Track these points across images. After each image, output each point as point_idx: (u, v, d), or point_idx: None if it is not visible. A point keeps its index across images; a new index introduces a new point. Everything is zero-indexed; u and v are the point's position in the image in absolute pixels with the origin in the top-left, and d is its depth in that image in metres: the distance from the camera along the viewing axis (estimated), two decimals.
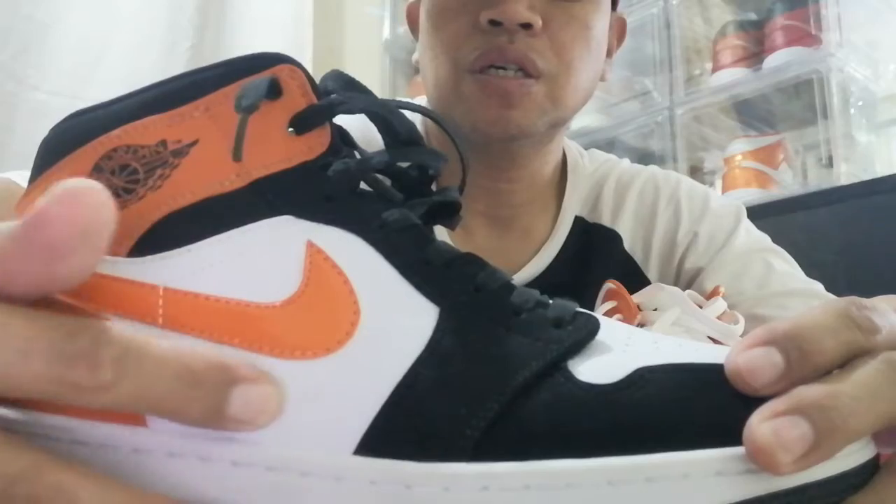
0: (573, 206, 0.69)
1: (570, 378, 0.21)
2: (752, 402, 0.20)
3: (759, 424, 0.19)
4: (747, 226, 0.68)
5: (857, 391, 0.21)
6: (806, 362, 0.21)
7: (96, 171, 0.23)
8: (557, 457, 0.20)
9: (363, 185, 0.26)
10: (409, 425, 0.20)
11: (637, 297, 0.50)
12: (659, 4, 1.49)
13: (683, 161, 1.43)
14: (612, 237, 0.68)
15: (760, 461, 0.19)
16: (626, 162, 0.74)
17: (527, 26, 0.56)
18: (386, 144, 0.27)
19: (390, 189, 0.27)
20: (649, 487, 0.19)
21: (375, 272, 0.23)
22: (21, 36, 1.34)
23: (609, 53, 0.67)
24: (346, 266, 0.23)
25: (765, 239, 0.68)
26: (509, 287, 0.24)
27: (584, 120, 1.56)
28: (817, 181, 1.35)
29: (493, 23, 0.56)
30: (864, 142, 1.31)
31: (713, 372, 0.21)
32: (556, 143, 0.68)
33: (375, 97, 0.27)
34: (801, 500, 0.20)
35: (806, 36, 1.33)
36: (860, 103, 1.31)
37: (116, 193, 0.23)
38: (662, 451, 0.20)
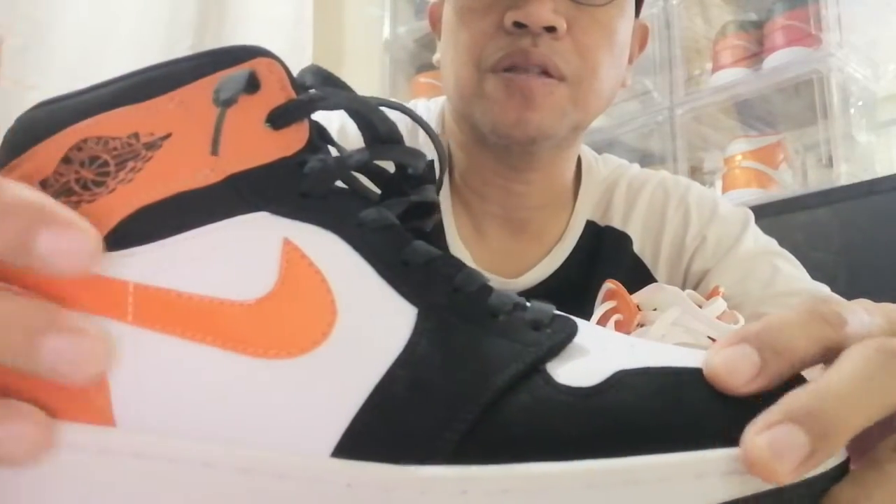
0: (586, 209, 0.69)
1: (550, 381, 0.21)
2: (730, 404, 0.21)
3: (755, 437, 0.20)
4: (755, 231, 0.69)
5: (844, 388, 0.21)
6: (780, 358, 0.22)
7: (65, 163, 0.23)
8: (538, 460, 0.19)
9: (339, 184, 0.25)
10: (387, 428, 0.20)
11: (637, 297, 0.50)
12: (659, 4, 1.49)
13: (683, 161, 1.43)
14: (623, 238, 0.68)
15: (760, 473, 0.19)
16: (636, 167, 0.74)
17: (551, 29, 0.56)
18: (366, 142, 0.26)
19: (366, 188, 0.26)
20: (629, 490, 0.19)
21: (353, 271, 0.23)
22: (21, 36, 1.34)
23: (630, 60, 0.67)
24: (324, 264, 0.22)
25: (772, 243, 0.68)
26: (487, 289, 0.24)
27: None
28: (817, 181, 1.35)
29: (518, 25, 0.56)
30: (864, 142, 1.31)
31: (690, 375, 0.22)
32: (574, 148, 0.68)
33: (355, 94, 0.26)
34: (779, 501, 0.20)
35: (806, 36, 1.33)
36: (860, 103, 1.30)
37: (86, 186, 0.22)
38: (642, 455, 0.20)
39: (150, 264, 0.22)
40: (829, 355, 0.22)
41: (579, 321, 0.24)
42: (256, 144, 0.23)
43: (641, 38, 0.70)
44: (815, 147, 1.32)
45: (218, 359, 0.21)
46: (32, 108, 0.24)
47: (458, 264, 0.25)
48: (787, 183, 1.38)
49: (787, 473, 0.19)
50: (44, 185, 0.22)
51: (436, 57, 0.68)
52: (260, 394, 0.21)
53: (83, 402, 0.21)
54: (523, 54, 0.56)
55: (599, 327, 0.25)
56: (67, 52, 1.39)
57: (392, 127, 0.27)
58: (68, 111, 0.23)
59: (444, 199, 0.67)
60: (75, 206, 0.22)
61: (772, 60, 1.37)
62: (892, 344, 0.22)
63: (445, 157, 0.29)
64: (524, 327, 0.23)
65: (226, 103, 0.23)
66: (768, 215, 0.98)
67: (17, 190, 0.20)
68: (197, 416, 0.21)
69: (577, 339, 0.23)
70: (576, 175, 0.70)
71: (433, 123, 0.71)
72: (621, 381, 0.21)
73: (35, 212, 0.20)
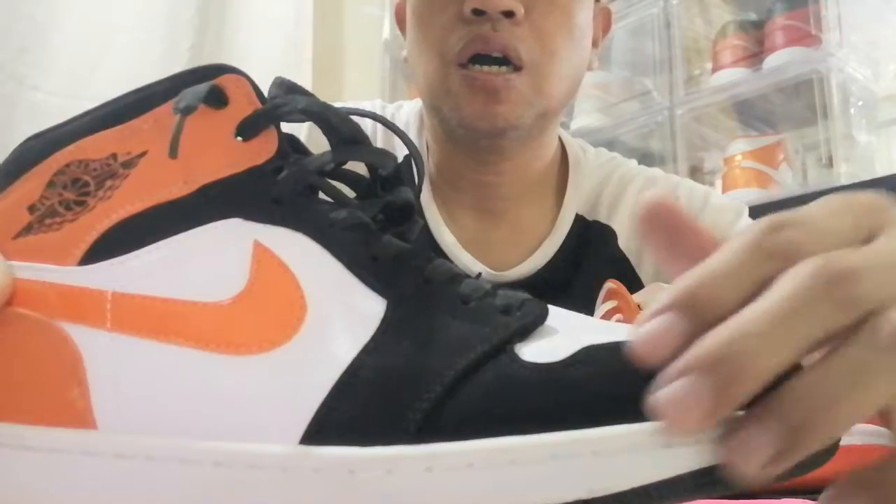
0: (574, 203, 0.69)
1: (515, 359, 0.21)
2: None
3: (654, 395, 0.19)
4: (749, 222, 0.69)
5: (761, 323, 0.18)
6: (706, 316, 0.19)
7: (50, 187, 0.24)
8: (502, 435, 0.20)
9: (322, 195, 0.26)
10: (352, 412, 0.21)
11: (638, 297, 0.50)
12: (659, 4, 1.49)
13: (683, 161, 1.43)
14: (608, 233, 0.68)
15: (670, 431, 0.19)
16: (632, 163, 0.75)
17: (509, 14, 0.57)
18: (331, 145, 0.27)
19: (342, 193, 0.27)
20: (595, 461, 0.19)
21: (322, 268, 0.24)
22: (21, 36, 1.34)
23: (595, 44, 0.68)
24: (293, 263, 0.23)
25: None
26: (458, 278, 0.25)
27: (584, 120, 1.56)
28: (817, 181, 1.35)
29: (477, 12, 0.58)
30: (864, 142, 1.31)
31: None
32: (547, 137, 0.68)
33: (316, 99, 0.27)
34: None
35: (806, 36, 1.33)
36: (860, 103, 1.30)
37: (69, 207, 0.24)
38: (608, 425, 0.19)
39: (127, 273, 0.23)
40: None
41: (557, 309, 0.24)
42: (227, 156, 0.25)
43: (605, 21, 0.71)
44: (815, 147, 1.32)
45: (193, 359, 0.22)
46: (23, 141, 0.26)
47: (429, 256, 0.25)
48: (787, 183, 1.38)
49: (693, 426, 0.18)
50: (31, 210, 0.24)
51: (403, 53, 0.69)
52: (233, 389, 0.22)
53: (65, 406, 0.22)
54: (484, 40, 0.58)
55: (580, 315, 0.25)
56: (67, 52, 1.39)
57: (355, 128, 0.27)
58: (53, 141, 0.25)
59: (423, 188, 0.68)
60: (59, 225, 0.24)
61: (772, 60, 1.37)
62: (832, 265, 0.19)
63: (422, 162, 0.29)
64: (494, 312, 0.23)
65: (184, 111, 0.24)
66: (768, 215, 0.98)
67: None
68: (175, 414, 0.22)
69: (549, 322, 0.23)
70: (562, 169, 0.71)
71: (414, 123, 0.73)
72: (588, 355, 0.21)
73: None
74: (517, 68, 0.59)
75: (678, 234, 0.23)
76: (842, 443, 0.21)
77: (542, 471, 0.19)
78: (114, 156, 0.24)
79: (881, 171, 1.32)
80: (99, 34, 1.43)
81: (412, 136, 0.72)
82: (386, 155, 0.28)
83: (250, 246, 0.23)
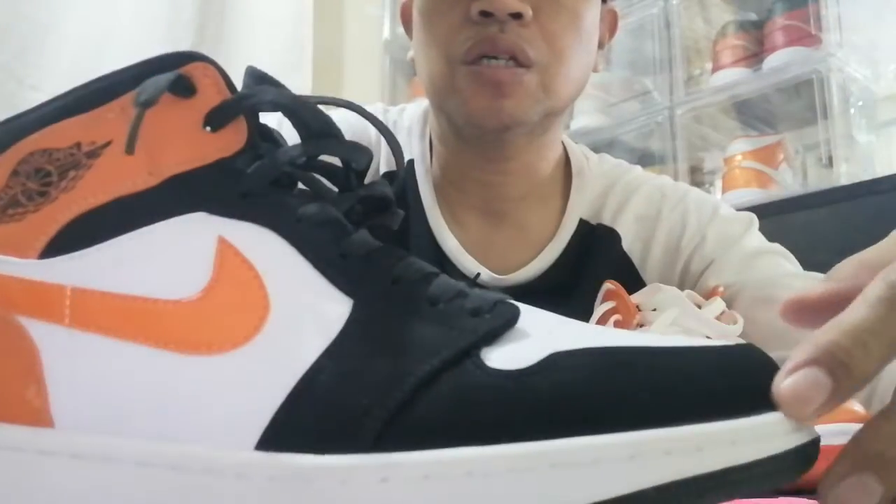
0: (578, 208, 0.69)
1: (480, 365, 0.21)
2: (662, 385, 0.20)
3: (777, 383, 0.20)
4: (759, 234, 0.69)
5: (859, 323, 0.21)
6: (852, 376, 0.21)
7: (14, 176, 0.24)
8: (463, 445, 0.19)
9: (301, 186, 0.26)
10: (309, 417, 0.20)
11: (636, 298, 0.50)
12: (659, 4, 1.49)
13: (683, 161, 1.43)
14: (611, 235, 0.68)
15: (791, 416, 0.20)
16: (637, 169, 0.74)
17: (517, 16, 0.57)
18: (301, 138, 0.26)
19: (321, 184, 0.26)
20: (556, 473, 0.19)
21: (288, 266, 0.23)
22: (21, 36, 1.34)
23: (601, 45, 0.68)
24: (258, 261, 0.23)
25: (776, 245, 0.68)
26: (429, 277, 0.24)
27: (584, 120, 1.56)
28: (817, 181, 1.35)
29: (484, 14, 0.57)
30: (864, 142, 1.31)
31: (625, 354, 0.21)
32: (551, 137, 0.68)
33: (287, 90, 0.26)
34: (720, 484, 0.19)
35: (806, 36, 1.33)
36: (860, 103, 1.31)
37: (31, 197, 0.23)
38: (571, 436, 0.19)
39: (87, 268, 0.22)
40: None
41: (526, 308, 0.24)
42: (194, 147, 0.24)
43: (611, 22, 0.71)
44: (815, 147, 1.32)
45: (151, 358, 0.21)
46: None
47: (400, 254, 0.25)
48: (787, 183, 1.38)
49: (810, 413, 0.20)
50: None
51: (409, 55, 0.69)
52: (191, 390, 0.21)
53: (21, 404, 0.21)
54: (491, 42, 0.57)
55: (556, 315, 0.25)
56: (67, 52, 1.39)
57: (326, 121, 0.26)
58: (18, 128, 0.24)
59: (426, 192, 0.68)
60: (21, 216, 0.23)
61: (772, 60, 1.37)
62: None
63: (400, 153, 0.29)
64: (463, 314, 0.23)
65: (144, 104, 0.23)
66: (768, 215, 0.98)
67: None
68: (132, 414, 0.21)
69: (519, 325, 0.23)
70: (566, 174, 0.71)
71: (417, 125, 0.72)
72: (555, 363, 0.20)
73: None
74: (525, 66, 0.58)
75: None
76: (835, 443, 0.21)
77: (501, 484, 0.19)
78: (77, 145, 0.24)
79: (881, 171, 1.32)
80: (99, 34, 1.43)
81: (415, 138, 0.71)
82: (358, 149, 0.27)
83: (214, 242, 0.23)
